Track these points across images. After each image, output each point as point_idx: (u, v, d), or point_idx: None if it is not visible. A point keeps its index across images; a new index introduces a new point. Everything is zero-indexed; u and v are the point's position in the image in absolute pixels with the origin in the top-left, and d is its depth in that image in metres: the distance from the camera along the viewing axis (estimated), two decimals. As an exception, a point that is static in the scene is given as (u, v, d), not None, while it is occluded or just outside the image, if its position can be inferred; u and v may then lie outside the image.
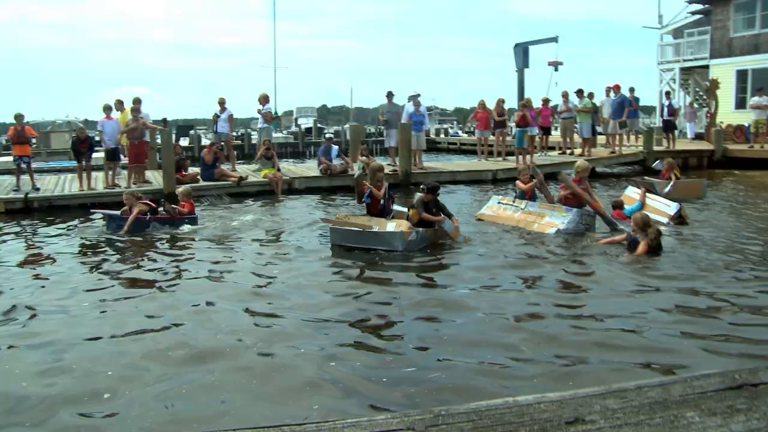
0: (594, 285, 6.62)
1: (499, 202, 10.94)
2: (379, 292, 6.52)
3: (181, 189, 11.26)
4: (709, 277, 6.70)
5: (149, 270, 7.87)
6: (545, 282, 6.80)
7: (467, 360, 4.54)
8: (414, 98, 17.59)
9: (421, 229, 8.70)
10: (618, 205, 10.62)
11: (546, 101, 19.98)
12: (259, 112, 17.11)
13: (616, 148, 19.65)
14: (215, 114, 17.07)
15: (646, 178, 13.16)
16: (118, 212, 10.55)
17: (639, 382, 1.51)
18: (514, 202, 10.58)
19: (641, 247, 7.50)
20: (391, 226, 8.61)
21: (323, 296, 6.38)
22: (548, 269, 7.37)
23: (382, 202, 9.36)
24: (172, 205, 10.75)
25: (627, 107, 19.00)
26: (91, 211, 11.93)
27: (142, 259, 8.49)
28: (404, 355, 4.71)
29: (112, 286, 7.09)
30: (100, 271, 7.84)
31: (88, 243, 9.76)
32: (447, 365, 4.49)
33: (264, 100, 17.02)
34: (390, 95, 18.38)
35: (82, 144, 14.20)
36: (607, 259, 7.64)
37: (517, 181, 11.37)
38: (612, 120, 19.42)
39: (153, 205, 10.65)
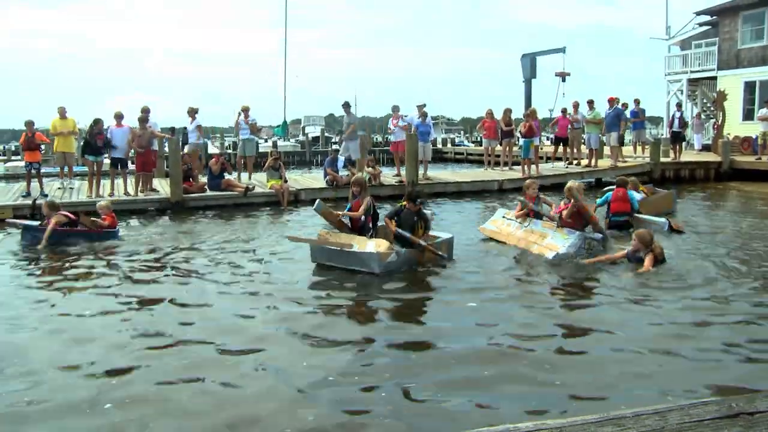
0: (595, 307, 6.39)
1: (504, 217, 10.45)
2: (346, 323, 6.17)
3: (102, 202, 10.84)
4: (710, 295, 6.60)
5: (52, 285, 7.61)
6: (542, 303, 6.59)
7: (461, 387, 4.44)
8: (420, 108, 17.68)
9: (403, 249, 8.06)
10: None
11: (564, 111, 19.90)
12: (238, 124, 17.17)
13: (615, 161, 19.56)
14: (237, 122, 17.37)
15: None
16: (36, 223, 10.19)
17: (636, 410, 1.52)
18: (517, 217, 10.04)
19: (648, 262, 7.43)
20: (371, 245, 8.03)
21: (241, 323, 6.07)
22: (546, 289, 7.16)
23: (362, 218, 8.90)
24: (92, 219, 10.28)
25: (623, 120, 18.83)
26: (7, 221, 11.40)
27: (52, 274, 8.21)
28: (393, 380, 4.56)
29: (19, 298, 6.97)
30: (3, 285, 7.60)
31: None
32: (439, 389, 4.38)
33: (246, 111, 17.05)
34: (347, 105, 17.69)
35: (99, 135, 14.16)
36: (612, 278, 7.40)
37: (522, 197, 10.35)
38: (608, 133, 19.41)
39: (73, 217, 10.13)
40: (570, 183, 9.44)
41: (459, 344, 5.33)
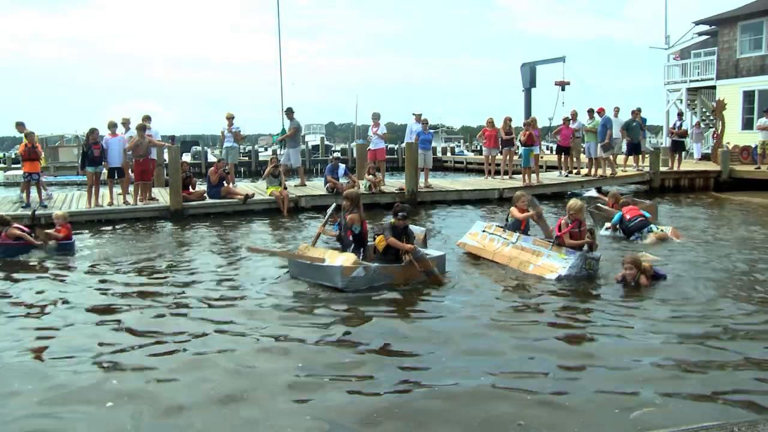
0: (594, 331, 6.11)
1: (484, 230, 9.61)
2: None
3: (58, 212, 10.58)
4: (709, 314, 6.46)
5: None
6: (540, 332, 6.09)
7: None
8: (418, 116, 17.71)
9: (374, 264, 7.63)
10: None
11: (567, 120, 19.89)
12: (223, 133, 16.97)
13: (600, 170, 19.48)
14: (222, 131, 17.19)
15: (600, 204, 12.74)
16: None
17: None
18: (504, 232, 9.30)
19: (644, 281, 7.42)
20: (340, 259, 7.59)
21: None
22: (544, 316, 6.61)
23: (343, 234, 8.40)
24: (46, 231, 10.09)
25: (609, 129, 18.84)
26: None
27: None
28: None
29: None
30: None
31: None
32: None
33: (231, 119, 16.93)
34: (290, 111, 17.36)
35: (95, 145, 14.10)
36: (612, 301, 7.11)
37: (512, 208, 9.65)
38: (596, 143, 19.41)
39: (26, 230, 10.01)
40: (577, 203, 8.42)
41: (442, 382, 4.79)
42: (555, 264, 8.11)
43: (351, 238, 8.27)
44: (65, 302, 7.21)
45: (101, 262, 9.46)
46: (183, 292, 7.58)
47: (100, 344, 5.69)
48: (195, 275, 8.54)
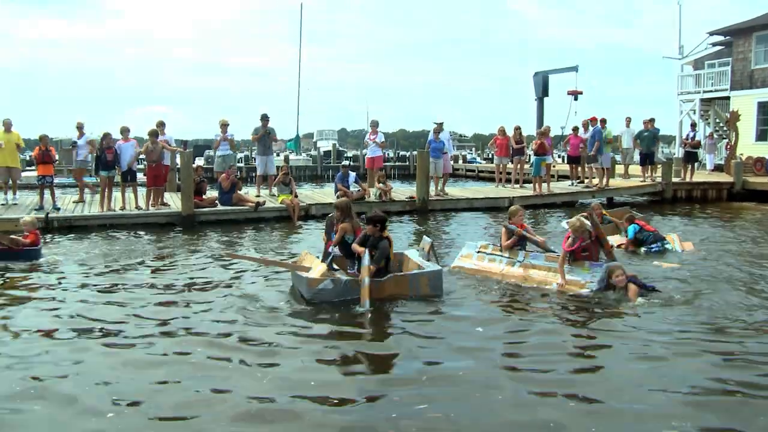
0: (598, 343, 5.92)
1: (479, 251, 8.90)
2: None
3: (26, 218, 10.40)
4: (707, 327, 6.26)
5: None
6: (533, 346, 5.86)
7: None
8: (439, 125, 17.72)
9: (345, 278, 7.31)
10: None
11: (576, 130, 19.85)
12: (223, 139, 16.81)
13: (587, 180, 19.43)
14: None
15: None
16: None
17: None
18: (501, 251, 8.68)
19: (633, 293, 7.20)
20: (315, 270, 7.36)
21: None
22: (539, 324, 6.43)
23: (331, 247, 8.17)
24: (12, 236, 9.81)
25: (598, 140, 18.65)
26: None
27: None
28: None
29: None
30: None
31: None
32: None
33: (225, 126, 16.89)
34: (264, 118, 16.96)
35: (108, 150, 14.25)
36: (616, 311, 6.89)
37: (503, 229, 8.90)
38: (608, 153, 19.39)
39: None
40: (575, 223, 7.92)
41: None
42: (581, 279, 7.65)
43: (332, 249, 8.03)
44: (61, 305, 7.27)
45: (96, 265, 9.54)
46: (175, 302, 7.44)
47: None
48: (187, 281, 8.50)
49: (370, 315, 6.74)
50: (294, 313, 6.89)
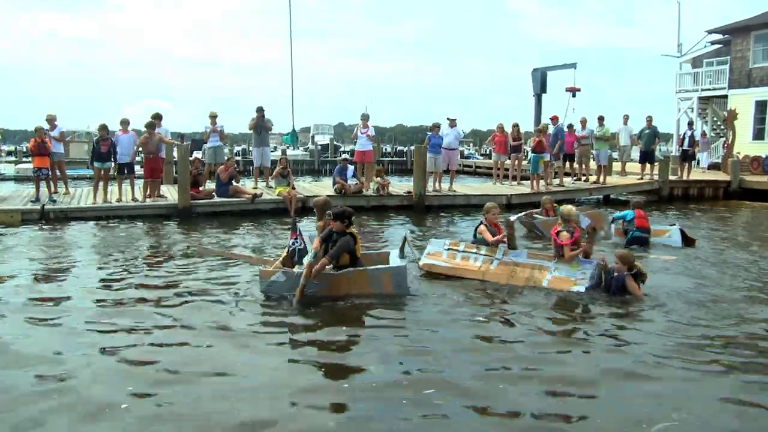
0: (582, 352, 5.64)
1: (449, 249, 8.40)
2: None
3: None
4: (706, 334, 6.05)
5: None
6: (527, 342, 5.76)
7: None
8: (452, 121, 17.65)
9: (295, 270, 6.95)
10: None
11: (571, 127, 19.81)
12: (213, 131, 16.67)
13: (552, 180, 18.98)
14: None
15: (534, 213, 12.34)
16: None
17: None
18: (475, 247, 8.29)
19: (634, 289, 7.07)
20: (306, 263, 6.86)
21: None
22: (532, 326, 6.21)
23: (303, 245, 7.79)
24: None
25: (560, 140, 18.53)
26: None
27: None
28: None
29: None
30: None
31: None
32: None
33: (214, 117, 16.75)
34: (260, 110, 16.75)
35: (104, 142, 14.24)
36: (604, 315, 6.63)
37: (482, 227, 8.54)
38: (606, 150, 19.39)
39: None
40: (572, 209, 7.90)
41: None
42: (571, 276, 7.42)
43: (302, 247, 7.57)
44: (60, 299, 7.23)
45: (96, 256, 9.53)
46: (166, 297, 7.26)
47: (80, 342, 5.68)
48: (177, 276, 8.37)
49: (325, 315, 6.37)
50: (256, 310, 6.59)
